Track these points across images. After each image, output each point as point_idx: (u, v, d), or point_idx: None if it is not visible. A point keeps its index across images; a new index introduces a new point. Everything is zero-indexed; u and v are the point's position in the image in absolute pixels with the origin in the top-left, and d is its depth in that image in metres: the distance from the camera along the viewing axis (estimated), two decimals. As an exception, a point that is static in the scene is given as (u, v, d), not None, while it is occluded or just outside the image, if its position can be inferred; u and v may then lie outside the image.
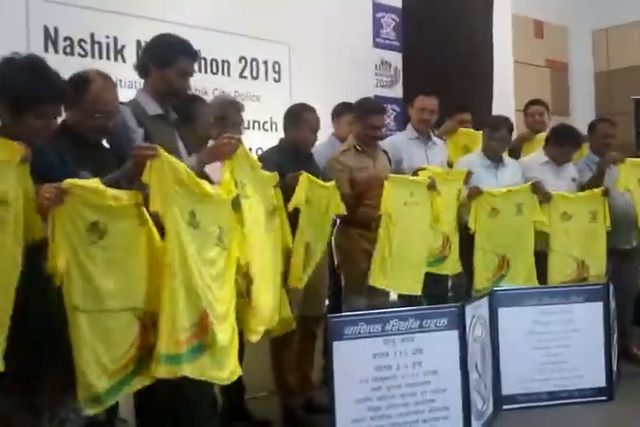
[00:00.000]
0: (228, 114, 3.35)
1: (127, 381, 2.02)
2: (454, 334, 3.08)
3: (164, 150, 2.17)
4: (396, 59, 6.04)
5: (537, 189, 4.05)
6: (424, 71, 5.68)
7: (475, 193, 3.96)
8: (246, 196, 2.63)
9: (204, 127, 2.99)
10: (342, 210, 3.43)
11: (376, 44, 5.95)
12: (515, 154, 4.64)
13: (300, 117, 3.47)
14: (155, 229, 2.17)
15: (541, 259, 4.08)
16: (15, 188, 1.84)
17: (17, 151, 1.85)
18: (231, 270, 2.50)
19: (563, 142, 4.30)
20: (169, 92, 2.74)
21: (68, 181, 1.91)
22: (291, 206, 3.06)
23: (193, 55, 2.77)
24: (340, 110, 4.34)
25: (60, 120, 2.26)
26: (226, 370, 2.42)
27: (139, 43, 4.31)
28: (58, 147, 2.23)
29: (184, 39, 2.78)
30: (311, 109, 3.52)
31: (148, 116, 2.69)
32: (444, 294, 4.21)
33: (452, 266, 3.98)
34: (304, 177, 3.15)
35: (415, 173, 3.80)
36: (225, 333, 2.40)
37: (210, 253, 2.37)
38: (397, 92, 5.95)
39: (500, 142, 4.20)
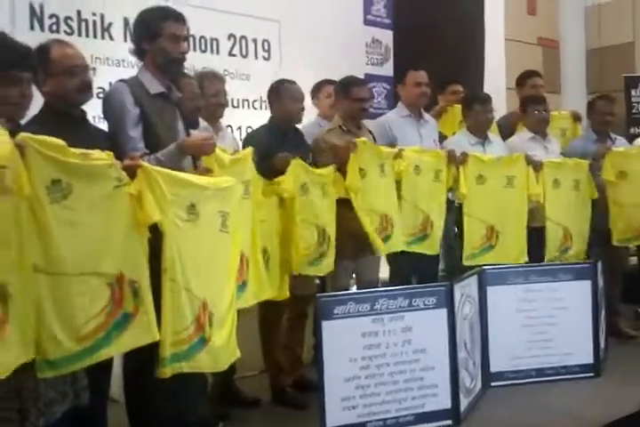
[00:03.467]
0: (205, 84, 3.34)
1: (94, 349, 1.93)
2: (443, 312, 3.10)
3: (148, 164, 2.19)
4: (387, 37, 5.98)
5: (529, 159, 4.08)
6: (415, 49, 5.65)
7: (462, 158, 3.95)
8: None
9: (189, 99, 2.99)
10: (345, 193, 3.43)
11: (367, 22, 5.87)
12: None
13: (279, 90, 3.49)
14: (134, 193, 2.10)
15: (533, 234, 4.11)
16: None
17: None
18: (235, 255, 2.58)
19: (535, 103, 4.39)
20: (168, 61, 2.70)
21: (24, 135, 1.82)
22: (286, 196, 3.12)
23: (178, 18, 2.71)
24: (318, 86, 4.35)
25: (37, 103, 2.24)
26: (223, 359, 2.50)
27: (126, 20, 4.25)
28: (43, 128, 2.22)
29: (164, 6, 2.76)
30: (289, 81, 3.55)
31: (149, 94, 2.66)
32: (435, 273, 4.23)
33: (431, 246, 3.94)
34: (296, 165, 3.15)
35: (397, 156, 3.76)
36: (224, 323, 2.48)
37: (212, 241, 2.42)
38: (388, 70, 5.89)
39: (491, 116, 4.28)
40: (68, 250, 1.88)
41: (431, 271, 4.14)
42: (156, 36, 2.67)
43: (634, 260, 5.03)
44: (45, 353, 1.78)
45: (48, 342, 1.78)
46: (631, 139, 5.00)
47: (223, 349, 2.49)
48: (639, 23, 7.57)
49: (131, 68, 3.92)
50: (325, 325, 2.84)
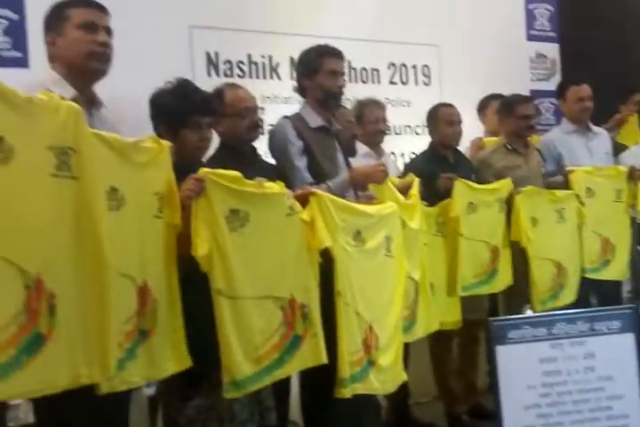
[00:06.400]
0: (365, 112, 3.43)
1: (271, 369, 2.01)
2: (629, 337, 2.89)
3: (321, 191, 2.30)
4: (552, 50, 5.78)
5: None
6: (583, 61, 5.40)
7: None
8: None
9: (344, 128, 3.09)
10: None
11: (530, 37, 5.72)
12: None
13: (435, 114, 3.50)
14: (307, 220, 2.20)
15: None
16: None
17: (164, 146, 1.92)
18: (401, 278, 2.61)
19: None
20: (327, 96, 2.82)
21: (204, 170, 1.95)
22: (451, 215, 3.13)
23: (335, 54, 2.83)
24: (484, 102, 4.29)
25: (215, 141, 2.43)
26: (390, 382, 2.53)
27: (292, 60, 4.47)
28: (220, 164, 2.40)
29: (322, 44, 2.89)
30: (444, 105, 3.58)
31: (310, 128, 2.79)
32: (617, 295, 3.96)
33: (617, 271, 3.73)
34: (459, 184, 3.14)
35: (566, 175, 3.62)
36: (389, 345, 2.51)
37: (378, 265, 2.49)
38: (555, 85, 5.68)
39: None
40: (246, 275, 1.99)
41: (613, 293, 3.88)
42: (315, 73, 2.80)
43: None
44: (231, 374, 1.90)
45: (231, 363, 1.90)
46: None
47: (389, 372, 2.50)
48: None
49: (297, 104, 4.14)
50: (500, 349, 2.76)
